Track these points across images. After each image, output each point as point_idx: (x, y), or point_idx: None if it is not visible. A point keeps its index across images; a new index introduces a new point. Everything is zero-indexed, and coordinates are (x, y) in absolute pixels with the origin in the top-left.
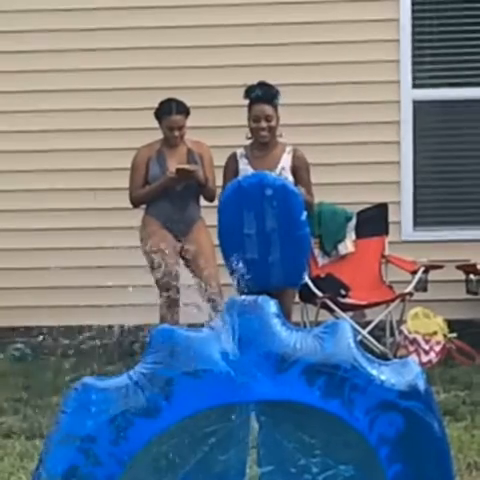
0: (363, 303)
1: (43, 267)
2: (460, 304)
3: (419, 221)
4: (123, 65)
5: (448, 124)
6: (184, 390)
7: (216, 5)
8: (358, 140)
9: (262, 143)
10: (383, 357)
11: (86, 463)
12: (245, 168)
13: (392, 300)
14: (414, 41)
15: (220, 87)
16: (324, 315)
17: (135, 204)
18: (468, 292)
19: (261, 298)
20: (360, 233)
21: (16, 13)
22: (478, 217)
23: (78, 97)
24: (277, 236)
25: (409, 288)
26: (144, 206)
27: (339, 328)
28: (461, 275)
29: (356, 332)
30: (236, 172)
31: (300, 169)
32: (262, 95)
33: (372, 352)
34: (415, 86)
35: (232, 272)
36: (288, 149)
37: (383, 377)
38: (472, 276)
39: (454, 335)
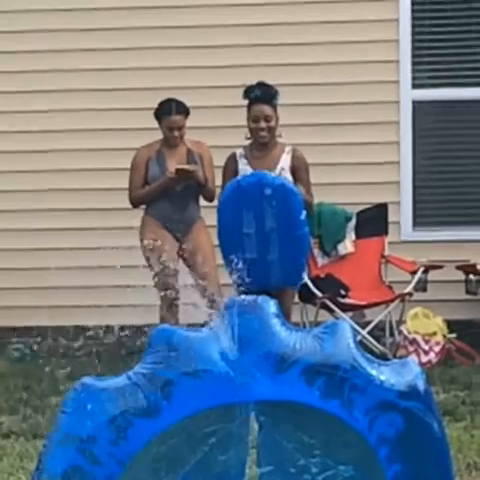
0: (363, 303)
1: (43, 267)
2: (460, 304)
3: (419, 221)
4: (123, 65)
5: (448, 124)
6: (184, 390)
7: (216, 5)
8: (358, 140)
9: (261, 143)
10: (383, 357)
11: (86, 463)
12: (244, 168)
13: (392, 300)
14: (414, 41)
15: (220, 87)
16: (324, 315)
17: (135, 204)
18: (468, 292)
19: (261, 298)
20: (360, 233)
21: (16, 13)
22: (478, 217)
23: (78, 97)
24: (276, 235)
25: (409, 288)
26: (144, 206)
27: (339, 328)
28: (461, 275)
29: (356, 332)
30: (235, 172)
31: (299, 169)
32: (261, 95)
33: (372, 352)
34: (415, 86)
35: (231, 272)
36: (287, 149)
37: (383, 377)
38: (472, 276)
39: (454, 335)
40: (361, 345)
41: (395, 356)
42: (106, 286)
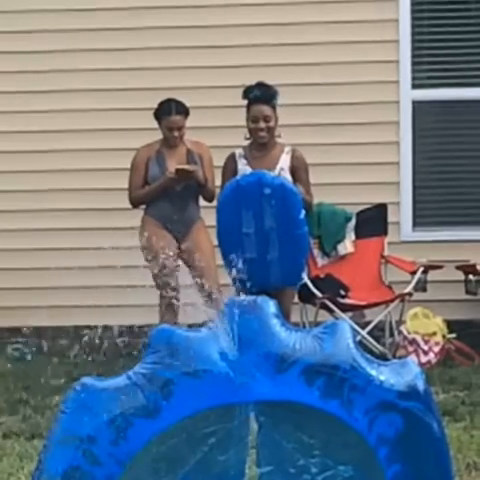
0: (362, 303)
1: (43, 267)
2: (459, 304)
3: (418, 221)
4: (123, 65)
5: (447, 124)
6: (183, 390)
7: (215, 5)
8: (357, 140)
9: (261, 143)
10: (382, 357)
11: (86, 463)
12: (244, 168)
13: (391, 300)
14: (413, 41)
15: (220, 87)
16: (323, 315)
17: (134, 204)
18: (467, 292)
19: (260, 298)
20: (359, 233)
21: (16, 13)
22: (477, 217)
23: (78, 97)
24: (276, 235)
25: (408, 288)
26: (144, 206)
27: (338, 328)
28: (460, 275)
29: (355, 332)
30: (235, 172)
31: (299, 169)
32: (260, 96)
33: (371, 352)
34: (414, 86)
35: (231, 272)
36: (287, 149)
37: (382, 377)
38: (471, 276)
39: (453, 336)
40: (361, 345)
41: (395, 356)
42: (106, 286)
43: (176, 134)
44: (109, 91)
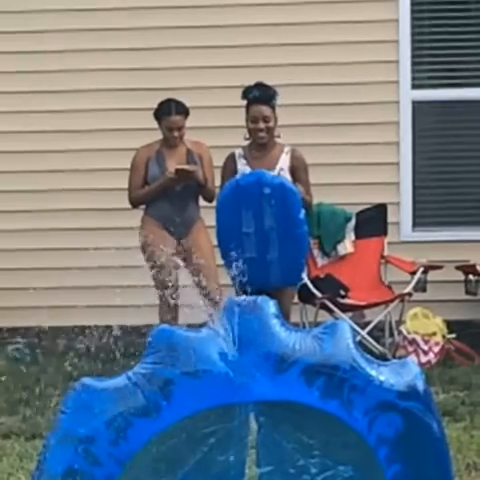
0: (362, 304)
1: (43, 267)
2: (459, 305)
3: (418, 222)
4: (123, 65)
5: (447, 125)
6: (183, 390)
7: (215, 5)
8: (357, 141)
9: (260, 144)
10: (382, 358)
11: (85, 463)
12: (243, 168)
13: (391, 300)
14: (413, 42)
15: (220, 87)
16: (323, 316)
17: (134, 204)
18: (467, 293)
19: (260, 299)
20: (359, 234)
21: (16, 13)
22: (477, 218)
23: (78, 97)
24: (275, 234)
25: (408, 288)
26: (143, 206)
27: (338, 329)
28: (460, 276)
29: (355, 333)
30: (234, 172)
31: (298, 169)
32: (260, 96)
33: (371, 353)
34: (414, 87)
35: (230, 271)
36: (286, 149)
37: (382, 378)
38: (471, 277)
39: (453, 336)
40: (360, 345)
41: (394, 356)
42: (106, 286)
43: (176, 134)
44: (109, 91)
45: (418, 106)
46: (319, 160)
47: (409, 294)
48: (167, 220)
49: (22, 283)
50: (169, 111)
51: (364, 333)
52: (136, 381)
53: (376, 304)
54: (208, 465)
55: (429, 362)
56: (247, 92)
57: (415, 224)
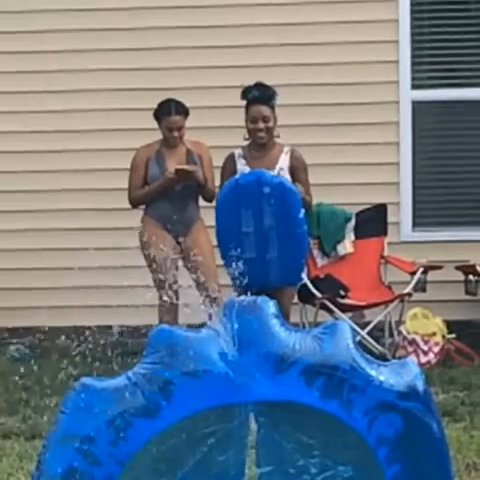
0: (362, 304)
1: (43, 267)
2: (459, 305)
3: (418, 222)
4: (123, 65)
5: (447, 125)
6: (183, 390)
7: (215, 5)
8: (357, 141)
9: (260, 144)
10: (382, 358)
11: (85, 463)
12: (243, 168)
13: (391, 301)
14: (413, 42)
15: (220, 87)
16: (323, 316)
17: (134, 204)
18: (467, 293)
19: (260, 299)
20: (359, 234)
21: (16, 13)
22: (477, 218)
23: (78, 97)
24: (275, 234)
25: (408, 289)
26: (143, 206)
27: (338, 329)
28: (460, 276)
29: (355, 333)
30: (234, 172)
31: (298, 169)
32: (259, 96)
33: (371, 353)
34: (414, 87)
35: (230, 271)
36: (286, 149)
37: (382, 378)
38: (471, 277)
39: (453, 336)
40: (360, 346)
41: (394, 357)
42: (106, 286)
43: (176, 134)
44: (109, 91)
45: (418, 106)
46: (319, 160)
47: (409, 294)
48: (167, 220)
49: (22, 283)
50: (169, 111)
51: (364, 333)
52: (136, 381)
53: (376, 304)
54: (208, 465)
55: (429, 362)
56: (246, 92)
57: (415, 224)
